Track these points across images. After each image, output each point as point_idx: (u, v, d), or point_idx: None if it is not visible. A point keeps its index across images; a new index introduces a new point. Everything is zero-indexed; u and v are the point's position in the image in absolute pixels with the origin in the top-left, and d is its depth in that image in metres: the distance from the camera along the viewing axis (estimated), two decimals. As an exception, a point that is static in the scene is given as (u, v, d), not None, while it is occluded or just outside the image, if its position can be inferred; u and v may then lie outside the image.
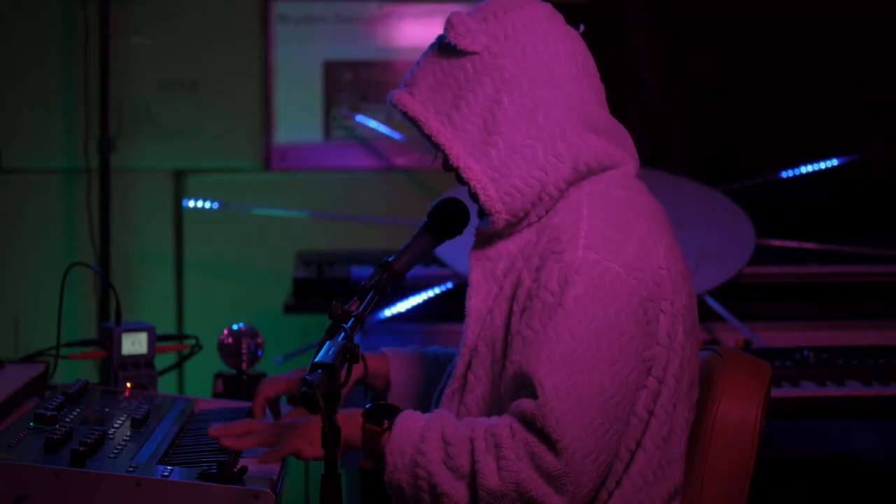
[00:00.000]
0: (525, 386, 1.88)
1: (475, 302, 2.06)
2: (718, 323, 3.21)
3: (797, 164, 3.74)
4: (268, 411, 2.31)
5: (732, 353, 2.17)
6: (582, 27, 2.11)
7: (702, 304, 2.77)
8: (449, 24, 2.02)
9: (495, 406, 2.01)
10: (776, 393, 2.46)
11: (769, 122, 4.22)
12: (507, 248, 2.05)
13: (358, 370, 2.31)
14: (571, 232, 1.95)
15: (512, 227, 2.04)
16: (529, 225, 2.04)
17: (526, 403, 1.86)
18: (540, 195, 2.00)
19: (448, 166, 2.05)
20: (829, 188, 3.98)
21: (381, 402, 2.01)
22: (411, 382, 2.32)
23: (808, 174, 3.69)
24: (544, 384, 1.84)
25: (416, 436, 1.91)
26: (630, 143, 2.11)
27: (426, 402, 2.26)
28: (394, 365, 2.33)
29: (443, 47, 2.05)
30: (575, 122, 2.01)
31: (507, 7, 2.05)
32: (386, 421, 1.94)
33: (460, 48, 2.01)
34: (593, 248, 1.92)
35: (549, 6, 2.09)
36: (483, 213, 2.06)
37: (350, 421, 1.96)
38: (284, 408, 2.33)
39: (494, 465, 1.85)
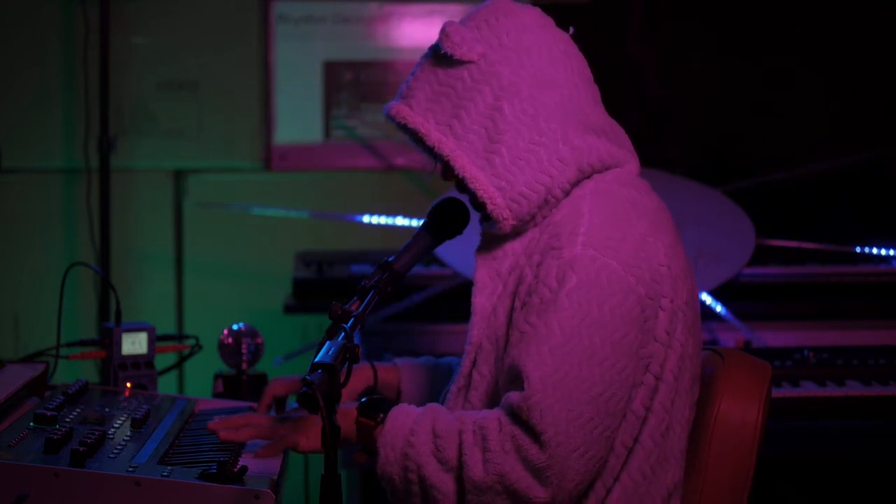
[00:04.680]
0: (517, 379, 1.89)
1: (480, 300, 2.06)
2: (718, 323, 3.21)
3: (796, 164, 3.74)
4: (272, 410, 2.31)
5: (732, 353, 2.17)
6: (572, 29, 2.11)
7: (702, 304, 2.77)
8: (444, 34, 2.01)
9: (498, 402, 2.01)
10: (776, 393, 2.46)
11: (768, 122, 4.22)
12: (513, 247, 2.05)
13: (368, 380, 2.32)
14: (571, 228, 1.95)
15: (517, 229, 2.05)
16: (535, 225, 2.05)
17: (513, 396, 1.87)
18: (546, 199, 2.01)
19: (449, 175, 2.04)
20: (829, 188, 3.98)
21: (376, 396, 2.02)
22: (422, 393, 2.32)
23: (808, 174, 3.69)
24: (531, 377, 1.85)
25: (406, 428, 1.93)
26: (628, 142, 2.12)
27: None
28: (404, 376, 2.34)
29: (438, 57, 2.04)
30: (575, 123, 2.01)
31: (499, 14, 2.04)
32: (381, 414, 1.97)
33: (457, 58, 2.01)
34: (592, 245, 1.92)
35: (538, 10, 2.09)
36: (486, 218, 2.06)
37: (345, 415, 1.98)
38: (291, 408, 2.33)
39: (480, 457, 1.87)
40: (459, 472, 1.89)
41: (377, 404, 1.99)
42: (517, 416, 1.86)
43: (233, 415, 2.07)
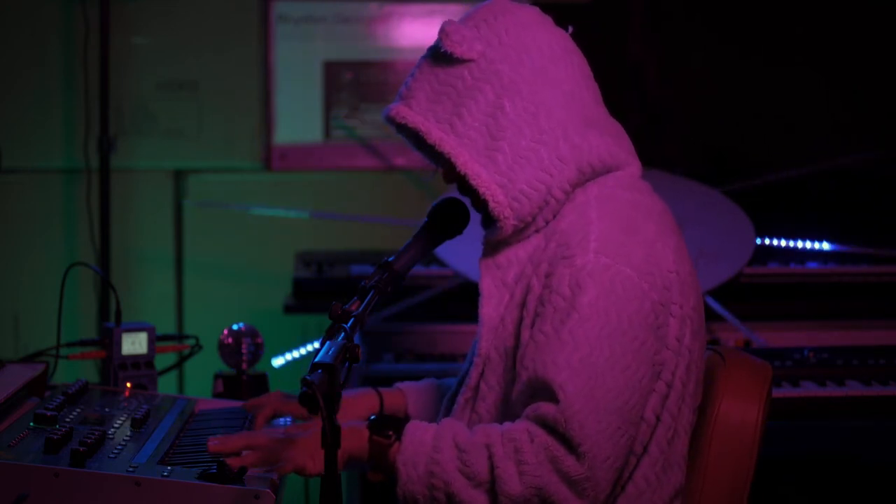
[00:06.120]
0: (542, 391, 1.87)
1: (487, 311, 2.05)
2: (718, 323, 3.21)
3: (796, 164, 3.74)
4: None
5: (732, 353, 2.17)
6: (571, 28, 2.11)
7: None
8: (443, 33, 2.01)
9: (507, 413, 2.00)
10: (776, 393, 2.46)
11: (768, 122, 4.22)
12: (517, 254, 2.04)
13: (373, 408, 2.28)
14: (581, 236, 1.94)
15: (520, 233, 2.03)
16: (538, 230, 2.03)
17: (546, 408, 1.85)
18: (546, 199, 2.00)
19: (450, 177, 2.04)
20: (829, 188, 3.98)
21: (384, 414, 1.99)
22: (430, 415, 2.29)
23: (808, 174, 3.69)
24: (566, 389, 1.83)
25: (428, 445, 1.89)
26: (629, 142, 2.10)
27: None
28: (410, 399, 2.31)
29: (438, 56, 2.03)
30: (576, 121, 2.01)
31: (497, 13, 2.04)
32: (392, 432, 1.92)
33: (456, 56, 2.01)
34: (604, 252, 1.91)
35: (536, 9, 2.09)
36: (488, 222, 2.05)
37: (357, 434, 1.94)
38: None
39: (515, 471, 1.84)
40: (491, 486, 1.86)
41: (386, 422, 1.94)
42: (552, 428, 1.84)
43: (233, 435, 1.98)
